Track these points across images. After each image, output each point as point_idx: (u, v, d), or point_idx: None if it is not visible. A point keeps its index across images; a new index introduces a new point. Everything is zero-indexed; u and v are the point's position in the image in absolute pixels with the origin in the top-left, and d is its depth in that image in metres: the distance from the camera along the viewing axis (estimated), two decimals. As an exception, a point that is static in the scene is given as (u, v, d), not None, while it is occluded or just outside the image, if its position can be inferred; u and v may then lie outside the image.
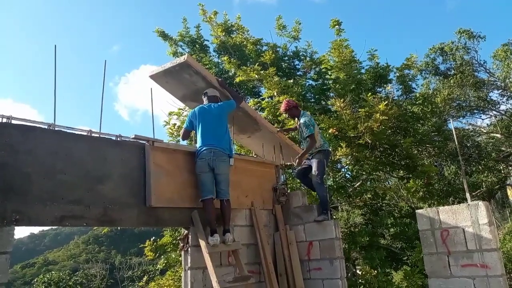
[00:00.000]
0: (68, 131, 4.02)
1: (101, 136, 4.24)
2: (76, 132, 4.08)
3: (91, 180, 3.99)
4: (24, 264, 53.56)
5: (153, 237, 9.40)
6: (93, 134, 4.19)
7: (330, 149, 5.87)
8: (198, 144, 4.75)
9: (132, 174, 4.30)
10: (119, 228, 9.34)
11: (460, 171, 14.02)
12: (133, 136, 4.45)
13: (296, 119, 6.00)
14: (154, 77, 5.13)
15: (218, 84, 5.19)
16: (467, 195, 4.70)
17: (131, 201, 4.22)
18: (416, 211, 4.90)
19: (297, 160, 5.70)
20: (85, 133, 4.13)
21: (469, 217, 4.28)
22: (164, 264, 9.52)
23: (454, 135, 6.58)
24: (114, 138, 4.34)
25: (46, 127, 3.88)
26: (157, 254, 9.39)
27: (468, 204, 4.35)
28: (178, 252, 6.83)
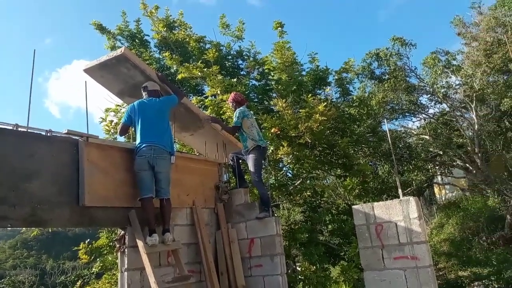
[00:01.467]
0: (-9, 125, 3.68)
1: (29, 131, 3.93)
2: (1, 126, 3.75)
3: (17, 178, 3.69)
4: None
5: (88, 240, 8.93)
6: (19, 129, 3.87)
7: (266, 146, 5.93)
8: (137, 140, 4.54)
9: (64, 172, 4.04)
10: (50, 230, 8.79)
11: (393, 170, 14.88)
12: (66, 131, 4.17)
13: None
14: (89, 71, 4.87)
15: (158, 79, 5.04)
16: (399, 191, 4.97)
17: (63, 200, 3.96)
18: (353, 206, 5.10)
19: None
20: (10, 127, 3.81)
21: (401, 212, 4.53)
22: (100, 267, 9.07)
23: (388, 136, 6.94)
24: (43, 133, 4.04)
25: (-36, 120, 3.53)
26: (93, 257, 8.92)
27: (400, 200, 4.60)
28: (114, 253, 6.52)
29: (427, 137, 16.83)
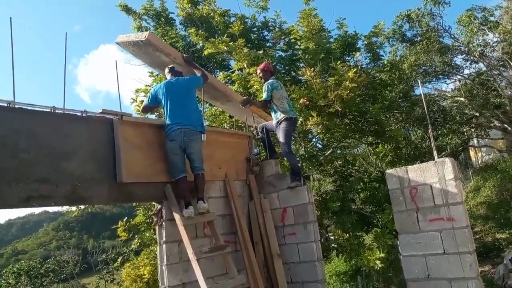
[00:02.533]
0: (30, 108, 3.84)
1: (65, 112, 4.08)
2: (39, 109, 3.91)
3: (57, 158, 3.85)
4: (-8, 255, 52.28)
5: (126, 218, 9.28)
6: (56, 111, 4.03)
7: (296, 117, 5.91)
8: (167, 121, 4.56)
9: (100, 150, 4.19)
10: (90, 209, 9.17)
11: (426, 135, 14.48)
12: (100, 111, 4.31)
13: None
14: (120, 44, 4.96)
15: (183, 61, 5.08)
16: (434, 153, 4.85)
17: (101, 177, 4.12)
18: (386, 171, 5.04)
19: (244, 100, 5.90)
20: (48, 110, 3.97)
21: (436, 173, 4.44)
22: (138, 244, 9.41)
23: (423, 99, 6.73)
24: (79, 114, 4.19)
25: (5, 105, 3.69)
26: (131, 234, 9.29)
27: (435, 162, 4.51)
28: (152, 227, 6.77)
29: (462, 99, 16.20)
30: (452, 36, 15.95)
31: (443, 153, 15.72)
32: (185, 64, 5.10)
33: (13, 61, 3.96)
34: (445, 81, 17.66)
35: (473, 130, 18.03)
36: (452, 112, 15.46)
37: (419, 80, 7.17)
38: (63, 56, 4.30)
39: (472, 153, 21.95)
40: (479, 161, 21.46)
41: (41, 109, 3.93)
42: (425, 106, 6.07)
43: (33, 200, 3.60)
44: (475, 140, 19.85)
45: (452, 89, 18.03)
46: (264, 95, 5.67)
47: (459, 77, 16.96)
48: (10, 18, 4.02)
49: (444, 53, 15.53)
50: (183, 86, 4.69)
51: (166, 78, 4.94)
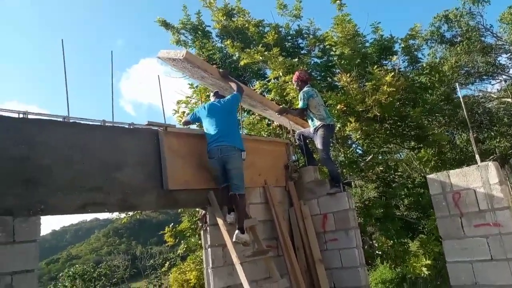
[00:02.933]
0: (83, 122, 4.16)
1: (114, 125, 4.37)
2: (91, 123, 4.22)
3: (108, 168, 4.14)
4: (49, 260, 54.97)
5: (172, 224, 9.59)
6: (106, 124, 4.32)
7: (333, 123, 5.94)
8: (208, 140, 4.76)
9: (147, 160, 4.45)
10: (138, 216, 9.55)
11: (472, 138, 13.93)
12: (146, 123, 4.58)
13: None
14: (162, 58, 5.24)
15: (220, 75, 5.29)
16: (477, 157, 4.72)
17: (149, 185, 4.37)
18: (427, 176, 4.97)
19: (280, 109, 6.01)
20: (99, 123, 4.27)
21: (480, 178, 4.33)
22: (184, 249, 9.70)
23: (461, 100, 6.54)
24: (127, 126, 4.47)
25: (61, 119, 4.02)
26: (177, 240, 9.58)
27: (478, 166, 4.40)
28: (197, 231, 6.98)
29: (509, 100, 15.46)
30: (495, 35, 15.36)
31: (491, 157, 15.03)
32: (222, 79, 5.32)
33: (66, 79, 4.32)
34: (490, 82, 16.94)
35: (523, 132, 17.13)
36: (499, 113, 14.79)
37: (457, 84, 6.97)
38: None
39: (523, 156, 20.77)
40: (531, 165, 20.26)
41: (92, 123, 4.24)
42: (464, 108, 5.94)
43: (88, 207, 3.89)
44: (526, 142, 18.81)
45: (498, 89, 17.26)
46: (300, 104, 5.75)
47: (504, 77, 16.23)
48: (62, 40, 4.38)
49: (487, 53, 14.96)
50: (225, 108, 4.88)
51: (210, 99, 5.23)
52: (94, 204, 3.96)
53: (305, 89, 5.80)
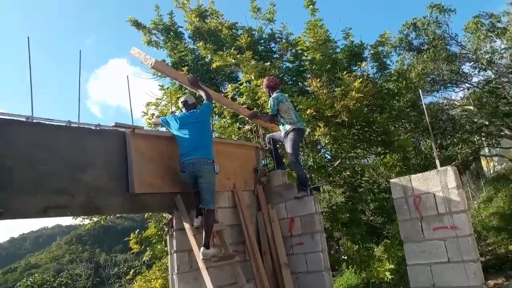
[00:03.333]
0: (47, 122, 4.06)
1: (80, 126, 4.29)
2: (55, 123, 4.12)
3: (73, 169, 4.05)
4: (6, 269, 52.85)
5: (137, 230, 9.41)
6: (72, 125, 4.23)
7: (303, 128, 6.05)
8: (180, 153, 4.72)
9: (114, 162, 4.38)
10: (102, 222, 9.32)
11: (436, 145, 14.44)
12: (114, 124, 4.51)
13: None
14: (133, 55, 5.17)
15: (190, 84, 5.31)
16: (437, 161, 4.92)
17: (115, 188, 4.31)
18: (390, 180, 5.13)
19: (251, 114, 6.10)
20: (64, 124, 4.17)
21: (439, 182, 4.52)
22: (150, 256, 9.49)
23: (424, 107, 6.82)
24: (93, 127, 4.39)
25: (24, 119, 3.91)
26: (143, 247, 9.40)
27: (438, 170, 4.58)
28: (163, 236, 6.91)
29: (471, 107, 16.12)
30: (459, 44, 15.95)
31: (453, 163, 15.63)
32: (191, 86, 5.33)
33: (31, 78, 4.21)
34: (454, 90, 17.60)
35: (483, 139, 17.89)
36: (462, 121, 15.39)
37: (420, 90, 7.24)
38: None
39: (484, 163, 21.69)
40: (491, 171, 21.19)
41: (57, 123, 4.14)
42: (426, 115, 6.17)
43: (50, 211, 3.79)
44: (486, 150, 19.66)
45: (461, 97, 17.96)
46: (270, 110, 5.81)
47: (467, 85, 16.90)
48: (28, 37, 4.26)
49: (452, 61, 15.53)
50: (198, 119, 4.82)
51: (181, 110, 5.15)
52: (56, 207, 3.86)
53: (274, 95, 5.87)
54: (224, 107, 6.36)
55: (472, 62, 16.23)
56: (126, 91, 4.98)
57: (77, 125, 4.27)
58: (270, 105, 5.81)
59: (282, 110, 5.76)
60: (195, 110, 4.99)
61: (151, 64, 4.81)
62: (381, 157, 10.42)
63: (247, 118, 6.07)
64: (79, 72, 4.63)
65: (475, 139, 17.38)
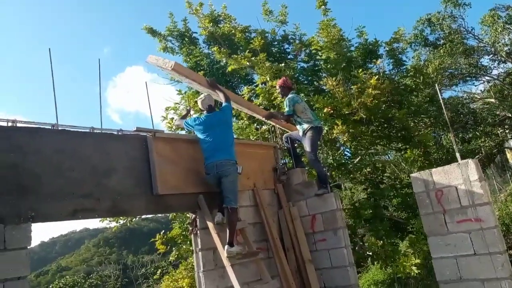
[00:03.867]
0: (72, 129, 4.20)
1: (103, 132, 4.42)
2: (79, 130, 4.27)
3: (98, 174, 4.18)
4: (38, 272, 54.16)
5: (163, 231, 9.57)
6: (95, 131, 4.37)
7: (321, 126, 6.07)
8: (204, 155, 4.81)
9: (137, 166, 4.50)
10: (128, 224, 9.53)
11: (458, 139, 14.20)
12: (135, 129, 4.64)
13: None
14: (150, 63, 5.29)
15: (208, 84, 5.37)
16: (457, 154, 4.88)
17: (138, 191, 4.42)
18: (411, 175, 5.10)
19: (267, 114, 6.15)
20: (88, 130, 4.31)
21: (461, 175, 4.48)
22: (175, 256, 9.67)
23: (441, 101, 6.77)
24: (115, 132, 4.53)
25: (50, 127, 4.06)
26: (168, 247, 9.56)
27: (459, 163, 4.55)
28: (188, 235, 7.02)
29: (492, 100, 15.80)
30: (476, 37, 15.70)
31: (477, 156, 15.33)
32: (210, 87, 5.39)
33: (54, 87, 4.38)
34: (473, 83, 17.30)
35: (507, 131, 17.49)
36: (483, 114, 15.09)
37: (436, 85, 7.17)
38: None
39: (509, 155, 21.15)
40: (517, 164, 20.66)
41: (81, 130, 4.29)
42: (443, 108, 6.11)
43: (78, 213, 3.93)
44: (511, 142, 19.19)
45: (481, 90, 17.63)
46: (286, 110, 5.86)
47: (487, 78, 16.59)
48: (49, 49, 4.43)
49: (470, 55, 15.29)
50: (221, 120, 4.91)
51: (202, 110, 5.23)
52: (84, 211, 3.99)
53: (290, 95, 5.91)
54: (240, 109, 6.41)
55: (491, 55, 15.95)
56: (144, 97, 5.21)
57: (100, 131, 4.41)
58: (286, 105, 5.85)
59: (299, 110, 5.80)
60: (216, 112, 5.07)
61: (171, 66, 4.90)
62: (402, 152, 10.30)
63: (263, 119, 6.12)
64: (99, 79, 4.79)
65: (498, 131, 16.98)
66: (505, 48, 14.85)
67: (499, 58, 15.57)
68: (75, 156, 4.09)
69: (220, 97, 5.30)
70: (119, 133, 4.54)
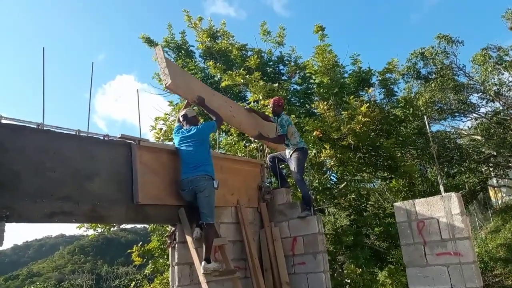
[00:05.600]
0: (57, 130, 4.13)
1: (89, 135, 4.36)
2: (65, 132, 4.20)
3: (79, 177, 4.09)
4: (8, 276, 52.42)
5: (140, 243, 9.37)
6: (81, 134, 4.31)
7: (306, 148, 6.07)
8: (181, 166, 4.79)
9: (119, 172, 4.42)
10: (106, 232, 9.32)
11: (443, 172, 14.36)
12: (120, 136, 4.58)
13: (276, 117, 6.13)
14: (157, 54, 5.19)
15: (197, 103, 5.27)
16: (441, 187, 4.92)
17: (119, 198, 4.34)
18: (394, 204, 5.12)
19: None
20: (73, 133, 4.25)
21: (443, 208, 4.50)
22: (151, 269, 9.44)
23: (429, 133, 6.86)
24: (101, 137, 4.46)
25: (35, 126, 3.99)
26: (145, 260, 9.35)
27: (442, 196, 4.58)
28: (166, 248, 6.88)
29: (479, 137, 16.10)
30: (467, 75, 16.10)
31: (460, 192, 15.46)
32: (200, 105, 5.30)
33: (44, 87, 4.33)
34: (461, 119, 17.63)
35: (491, 169, 17.77)
36: (469, 150, 15.35)
37: (426, 117, 7.28)
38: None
39: (492, 193, 21.47)
40: (499, 202, 20.94)
41: (67, 132, 4.22)
42: (431, 142, 6.21)
43: (55, 216, 3.82)
44: (494, 180, 19.49)
45: (469, 127, 17.96)
46: (281, 130, 5.81)
47: (475, 115, 16.94)
48: (43, 48, 4.39)
49: (459, 91, 15.62)
50: (196, 137, 4.83)
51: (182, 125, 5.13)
52: (62, 214, 3.89)
53: (285, 116, 5.93)
54: (231, 126, 6.40)
55: (480, 93, 16.33)
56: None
57: (86, 135, 4.35)
58: (281, 125, 5.81)
59: (290, 132, 5.82)
60: (194, 126, 4.97)
61: (166, 84, 4.85)
62: (387, 182, 10.37)
63: (253, 138, 6.10)
64: (91, 82, 4.75)
65: (483, 169, 17.25)
66: (494, 88, 15.23)
67: (488, 96, 15.94)
68: (58, 157, 4.01)
69: (212, 117, 5.24)
70: (105, 138, 4.48)
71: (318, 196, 9.14)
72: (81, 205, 4.03)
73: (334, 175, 10.52)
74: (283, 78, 11.07)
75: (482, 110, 16.88)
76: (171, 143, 7.25)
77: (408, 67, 15.97)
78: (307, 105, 10.04)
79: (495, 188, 20.21)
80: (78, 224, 7.37)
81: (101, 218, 4.28)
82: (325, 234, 8.49)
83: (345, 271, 9.34)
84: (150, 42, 11.37)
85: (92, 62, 4.70)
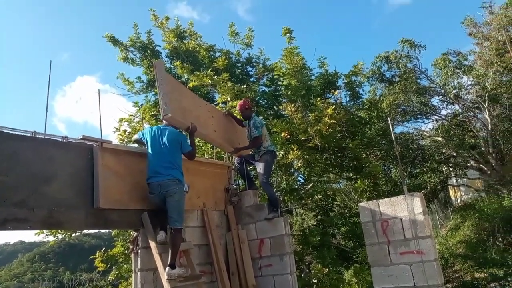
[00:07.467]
0: (11, 132, 3.90)
1: (46, 137, 4.15)
2: (20, 133, 3.97)
3: (35, 181, 3.88)
4: (-38, 285, 49.70)
5: (104, 249, 9.10)
6: (37, 136, 4.09)
7: (276, 151, 6.06)
8: (148, 169, 4.54)
9: (79, 176, 4.23)
10: (67, 238, 8.97)
11: (406, 172, 14.79)
12: (81, 137, 4.38)
13: (248, 121, 6.06)
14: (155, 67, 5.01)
15: (189, 131, 4.99)
16: (404, 187, 5.03)
17: (79, 203, 4.14)
18: (359, 204, 5.19)
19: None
20: (29, 134, 4.03)
21: (406, 207, 4.61)
22: (115, 275, 9.17)
23: (392, 134, 7.02)
24: (60, 139, 4.26)
25: (-15, 127, 3.76)
26: (108, 265, 9.07)
27: (405, 196, 4.68)
28: (128, 253, 6.69)
29: (440, 138, 16.72)
30: (429, 78, 16.71)
31: (422, 191, 16.00)
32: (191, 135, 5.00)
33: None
34: (424, 121, 18.26)
35: (451, 169, 18.49)
36: (431, 151, 15.91)
37: (389, 119, 7.47)
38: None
39: (452, 192, 22.35)
40: (459, 200, 21.83)
41: (22, 133, 3.99)
42: (395, 143, 6.34)
43: (8, 224, 3.59)
44: (454, 179, 20.27)
45: (430, 128, 18.62)
46: (256, 132, 5.70)
47: (436, 117, 17.58)
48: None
49: (422, 94, 16.19)
50: (171, 136, 4.59)
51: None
52: (15, 220, 3.66)
53: (258, 118, 5.89)
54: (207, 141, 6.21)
55: (441, 96, 16.99)
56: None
57: (43, 136, 4.14)
58: (256, 127, 5.71)
59: (263, 134, 5.79)
60: (171, 129, 4.70)
61: (164, 116, 4.61)
62: (352, 182, 10.56)
63: (230, 153, 6.01)
64: (49, 81, 4.52)
65: (443, 169, 17.91)
66: (454, 91, 15.87)
67: (448, 99, 16.58)
68: (11, 160, 3.78)
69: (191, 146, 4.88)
70: (64, 140, 4.27)
71: (285, 197, 9.17)
72: (36, 211, 3.81)
73: (302, 176, 10.62)
74: (251, 79, 11.06)
75: (443, 112, 17.59)
76: (135, 145, 7.04)
77: (373, 70, 16.40)
78: (275, 107, 10.08)
79: (455, 187, 21.04)
80: (36, 231, 7.05)
81: (59, 224, 4.07)
82: (293, 234, 8.57)
83: (312, 271, 9.43)
84: (115, 42, 11.07)
85: (50, 61, 4.52)
